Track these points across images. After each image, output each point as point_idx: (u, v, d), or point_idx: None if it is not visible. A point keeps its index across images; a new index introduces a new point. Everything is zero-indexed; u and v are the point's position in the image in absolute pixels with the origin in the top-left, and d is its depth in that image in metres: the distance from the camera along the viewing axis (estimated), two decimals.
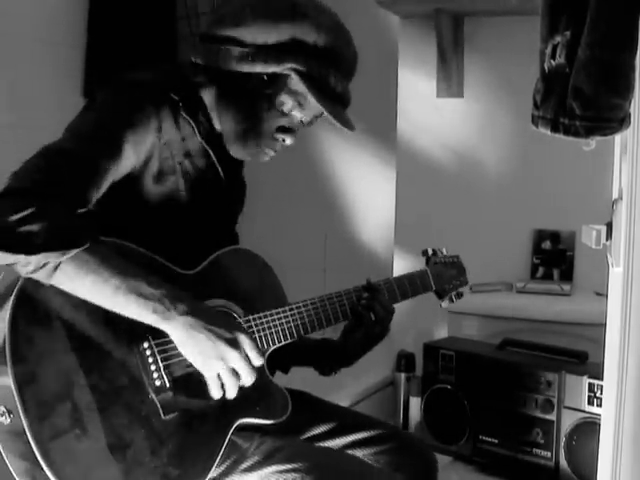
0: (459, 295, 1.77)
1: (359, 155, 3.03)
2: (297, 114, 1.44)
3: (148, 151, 1.35)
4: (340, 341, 1.58)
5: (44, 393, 1.18)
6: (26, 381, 1.17)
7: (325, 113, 1.42)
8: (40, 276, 1.18)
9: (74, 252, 1.18)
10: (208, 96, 1.45)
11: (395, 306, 1.59)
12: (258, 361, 1.31)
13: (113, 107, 1.36)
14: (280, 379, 1.55)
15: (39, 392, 1.17)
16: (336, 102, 1.44)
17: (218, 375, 1.29)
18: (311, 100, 1.41)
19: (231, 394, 1.30)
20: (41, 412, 1.17)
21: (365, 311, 1.53)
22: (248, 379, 1.30)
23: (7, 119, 2.34)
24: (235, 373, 1.29)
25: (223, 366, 1.28)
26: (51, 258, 1.16)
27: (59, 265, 1.17)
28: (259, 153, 1.46)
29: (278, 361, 1.59)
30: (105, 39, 2.65)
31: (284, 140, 1.46)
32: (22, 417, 1.15)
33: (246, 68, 1.38)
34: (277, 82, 1.40)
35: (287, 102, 1.42)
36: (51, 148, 1.26)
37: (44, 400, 1.18)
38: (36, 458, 1.15)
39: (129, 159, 1.32)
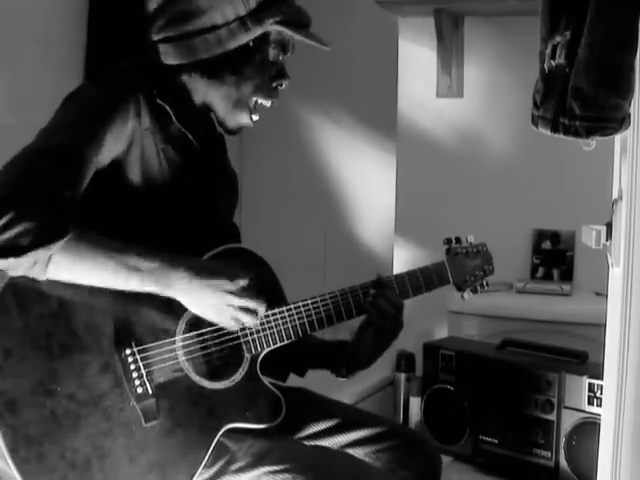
0: (483, 285, 1.67)
1: (359, 154, 3.02)
2: (281, 57, 1.47)
3: (129, 136, 1.35)
4: (354, 342, 1.55)
5: (20, 401, 1.18)
6: (1, 390, 1.17)
7: (310, 42, 1.45)
8: (34, 273, 1.19)
9: (61, 243, 1.18)
10: (192, 81, 1.45)
11: None
12: (260, 307, 1.36)
13: (90, 97, 1.37)
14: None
15: (14, 400, 1.17)
16: (307, 27, 1.48)
17: (235, 319, 1.34)
18: (289, 39, 1.45)
19: (252, 324, 1.38)
20: (15, 421, 1.16)
21: (371, 308, 1.50)
22: (261, 309, 1.36)
23: (7, 119, 2.33)
24: (246, 309, 1.34)
25: (233, 311, 1.32)
26: (40, 255, 1.17)
27: (50, 259, 1.18)
28: (255, 111, 1.47)
29: (293, 364, 1.58)
30: (105, 39, 2.65)
31: (281, 85, 1.48)
32: None
33: (232, 45, 1.40)
34: (262, 42, 1.43)
35: (274, 53, 1.45)
36: (28, 149, 1.27)
37: (19, 408, 1.17)
38: (8, 464, 1.15)
39: (111, 146, 1.32)
